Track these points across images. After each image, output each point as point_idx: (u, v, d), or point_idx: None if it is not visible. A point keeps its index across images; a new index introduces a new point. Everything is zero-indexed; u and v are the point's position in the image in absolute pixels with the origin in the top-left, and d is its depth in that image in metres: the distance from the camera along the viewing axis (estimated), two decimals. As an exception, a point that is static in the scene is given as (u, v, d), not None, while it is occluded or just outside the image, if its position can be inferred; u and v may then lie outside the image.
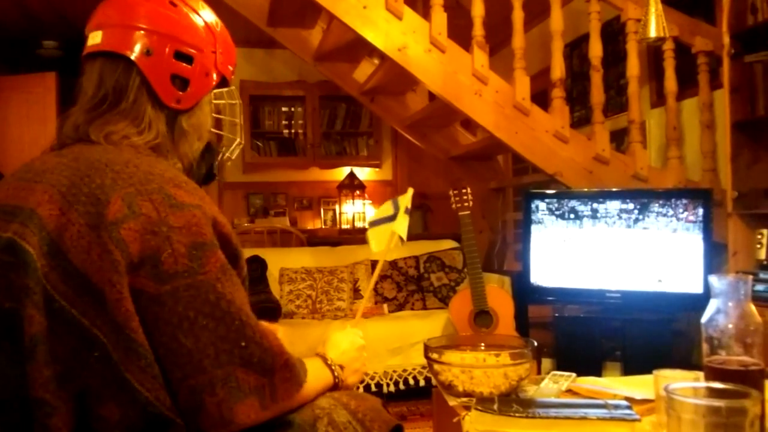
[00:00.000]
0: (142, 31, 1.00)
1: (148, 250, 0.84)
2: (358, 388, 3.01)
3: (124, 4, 1.03)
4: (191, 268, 0.86)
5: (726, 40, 2.66)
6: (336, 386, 1.12)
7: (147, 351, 0.83)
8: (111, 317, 0.82)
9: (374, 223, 1.44)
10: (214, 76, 1.07)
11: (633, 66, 3.06)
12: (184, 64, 1.03)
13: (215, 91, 1.10)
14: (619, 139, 3.68)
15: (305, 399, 1.01)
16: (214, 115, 1.12)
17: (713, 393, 0.80)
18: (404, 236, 1.39)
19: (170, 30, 1.02)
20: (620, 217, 2.69)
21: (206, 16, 1.08)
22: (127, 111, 0.99)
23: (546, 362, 2.88)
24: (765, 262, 2.50)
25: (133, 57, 0.99)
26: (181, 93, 1.02)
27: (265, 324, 0.97)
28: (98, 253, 0.83)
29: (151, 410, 0.83)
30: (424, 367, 3.08)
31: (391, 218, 1.41)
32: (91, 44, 1.02)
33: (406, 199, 1.41)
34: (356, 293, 3.62)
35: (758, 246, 2.53)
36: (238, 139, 1.19)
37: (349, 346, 1.19)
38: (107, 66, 1.00)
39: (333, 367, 1.12)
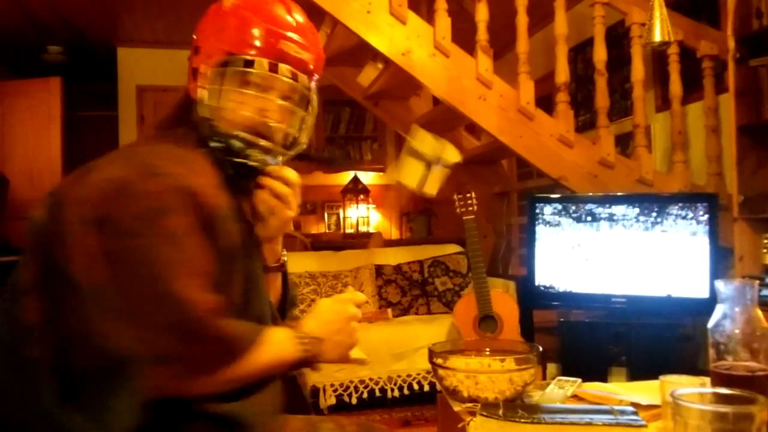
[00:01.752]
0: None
1: (110, 208, 0.91)
2: (360, 393, 3.02)
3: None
4: (139, 230, 0.91)
5: (731, 44, 2.65)
6: (305, 361, 1.05)
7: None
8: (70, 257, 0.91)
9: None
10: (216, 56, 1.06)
11: (638, 70, 3.05)
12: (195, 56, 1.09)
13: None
14: (624, 143, 3.67)
15: (246, 372, 0.96)
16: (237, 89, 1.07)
17: (720, 399, 0.79)
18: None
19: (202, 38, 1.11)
20: (625, 222, 2.68)
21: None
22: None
23: (551, 367, 2.87)
24: (771, 267, 2.49)
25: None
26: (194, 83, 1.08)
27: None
28: (74, 207, 0.93)
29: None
30: (428, 372, 3.07)
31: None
32: None
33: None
34: (360, 298, 3.61)
35: (764, 250, 2.51)
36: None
37: (335, 317, 1.09)
38: None
39: (304, 341, 1.04)
